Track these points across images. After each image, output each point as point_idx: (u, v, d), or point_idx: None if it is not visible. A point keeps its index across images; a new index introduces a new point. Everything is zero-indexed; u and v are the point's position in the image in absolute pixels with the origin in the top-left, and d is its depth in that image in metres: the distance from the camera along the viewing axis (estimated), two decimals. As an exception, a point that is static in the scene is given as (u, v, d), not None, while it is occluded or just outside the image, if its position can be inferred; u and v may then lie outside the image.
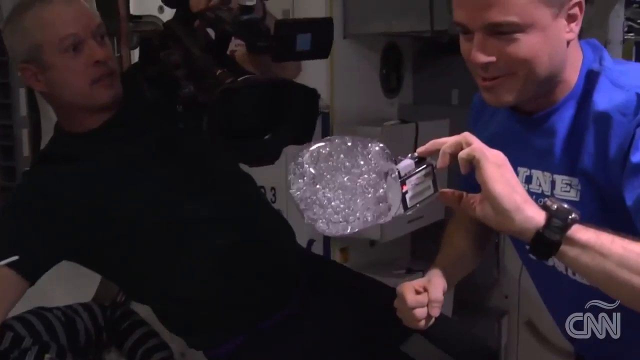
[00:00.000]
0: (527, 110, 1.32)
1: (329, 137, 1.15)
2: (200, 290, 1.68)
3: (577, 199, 1.25)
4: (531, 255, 1.39)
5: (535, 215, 1.08)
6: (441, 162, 1.12)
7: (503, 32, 1.17)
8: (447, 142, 1.11)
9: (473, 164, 1.08)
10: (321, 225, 1.13)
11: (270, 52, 1.32)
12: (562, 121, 1.28)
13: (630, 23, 4.17)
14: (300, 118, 1.35)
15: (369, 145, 1.13)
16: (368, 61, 2.74)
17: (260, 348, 1.71)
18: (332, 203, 1.11)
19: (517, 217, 1.07)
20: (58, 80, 1.60)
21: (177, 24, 1.52)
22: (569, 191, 1.27)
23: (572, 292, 1.37)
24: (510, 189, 1.07)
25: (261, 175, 1.93)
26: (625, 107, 1.19)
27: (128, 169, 1.64)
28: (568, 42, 1.23)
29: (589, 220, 1.11)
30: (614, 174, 1.19)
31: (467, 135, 1.11)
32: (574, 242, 1.07)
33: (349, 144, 1.12)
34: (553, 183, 1.30)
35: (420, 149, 1.15)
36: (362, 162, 1.12)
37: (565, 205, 1.09)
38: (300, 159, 1.13)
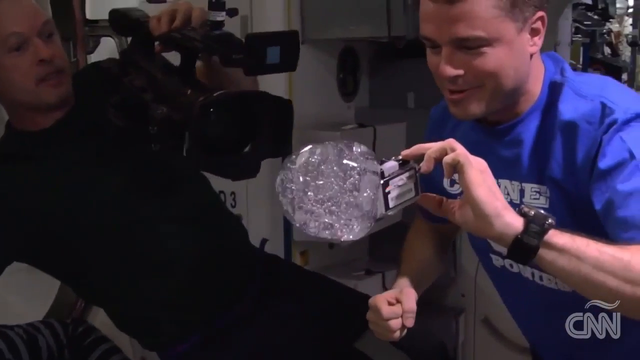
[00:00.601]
0: (492, 122, 1.35)
1: (319, 144, 1.16)
2: (155, 290, 1.68)
3: (546, 205, 1.29)
4: (505, 261, 1.43)
5: (514, 222, 1.11)
6: (426, 165, 1.14)
7: (470, 46, 1.20)
8: (432, 147, 1.14)
9: (457, 169, 1.11)
10: (311, 230, 1.15)
11: (243, 66, 1.33)
12: (528, 131, 1.32)
13: (577, 25, 4.30)
14: (276, 129, 1.37)
15: (354, 148, 1.15)
16: (325, 66, 2.75)
17: (214, 347, 1.72)
18: (320, 210, 1.13)
19: (496, 223, 1.10)
20: (4, 79, 1.59)
21: (135, 50, 1.53)
22: (538, 199, 1.31)
23: (537, 296, 1.42)
24: (492, 195, 1.11)
25: (221, 179, 1.94)
26: (591, 115, 1.23)
27: (82, 171, 1.63)
28: (531, 55, 1.27)
29: (559, 225, 1.15)
30: (582, 180, 1.23)
31: (452, 142, 1.13)
32: (551, 246, 1.10)
33: (335, 148, 1.14)
34: (522, 191, 1.33)
35: (404, 152, 1.17)
36: (349, 165, 1.13)
37: (542, 211, 1.12)
38: (289, 165, 1.14)
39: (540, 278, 1.38)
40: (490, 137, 1.36)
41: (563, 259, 1.10)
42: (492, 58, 1.21)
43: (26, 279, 1.90)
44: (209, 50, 1.40)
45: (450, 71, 1.23)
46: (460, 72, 1.23)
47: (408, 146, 1.16)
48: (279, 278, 1.86)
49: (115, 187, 1.64)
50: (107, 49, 2.57)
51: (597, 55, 5.15)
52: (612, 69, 5.10)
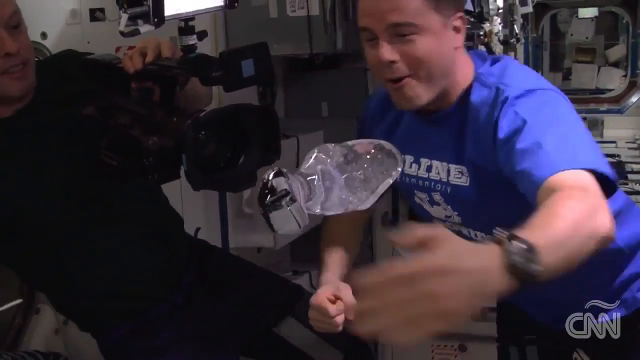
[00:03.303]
0: (429, 112, 1.54)
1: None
2: (94, 282, 1.76)
3: (467, 184, 1.50)
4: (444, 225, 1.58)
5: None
6: None
7: (403, 32, 1.40)
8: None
9: None
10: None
11: (222, 83, 1.40)
12: (451, 119, 1.52)
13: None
14: (264, 138, 1.46)
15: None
16: (248, 80, 2.86)
17: (147, 334, 1.81)
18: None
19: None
20: None
21: (112, 93, 1.58)
22: (460, 178, 1.51)
23: None
24: None
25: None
26: (488, 98, 1.45)
27: (33, 164, 1.67)
28: (456, 49, 1.48)
29: (479, 200, 1.38)
30: (489, 157, 1.42)
31: None
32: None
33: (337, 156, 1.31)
34: (448, 171, 1.53)
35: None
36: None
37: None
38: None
39: (476, 235, 1.57)
40: (426, 124, 1.56)
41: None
42: (421, 45, 1.41)
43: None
44: (188, 73, 1.47)
45: (388, 54, 1.42)
46: (397, 56, 1.41)
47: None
48: (210, 266, 1.97)
49: (60, 184, 1.69)
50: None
51: (476, 56, 5.47)
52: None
